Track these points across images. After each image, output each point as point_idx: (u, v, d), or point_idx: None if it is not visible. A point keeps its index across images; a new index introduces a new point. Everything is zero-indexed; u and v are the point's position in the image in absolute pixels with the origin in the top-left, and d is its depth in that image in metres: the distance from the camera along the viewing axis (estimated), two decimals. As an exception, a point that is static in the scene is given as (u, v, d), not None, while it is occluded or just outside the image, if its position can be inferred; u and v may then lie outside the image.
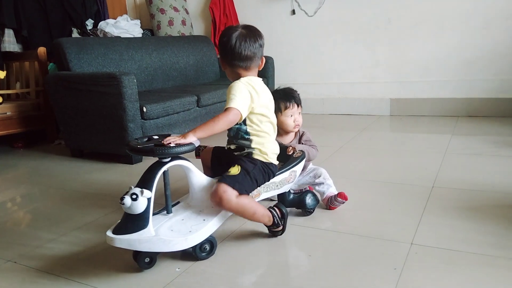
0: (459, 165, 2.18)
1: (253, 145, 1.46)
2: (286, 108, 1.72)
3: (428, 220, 1.55)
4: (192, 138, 1.31)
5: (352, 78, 3.79)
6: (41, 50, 3.29)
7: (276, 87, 1.88)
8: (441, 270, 1.21)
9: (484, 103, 3.31)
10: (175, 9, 4.11)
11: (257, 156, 1.47)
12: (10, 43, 3.38)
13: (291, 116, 1.73)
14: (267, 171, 1.48)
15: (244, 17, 4.16)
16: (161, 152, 1.25)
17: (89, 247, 1.52)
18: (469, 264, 1.24)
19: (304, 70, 3.99)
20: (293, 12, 3.92)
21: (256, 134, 1.46)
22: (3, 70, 3.27)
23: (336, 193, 1.69)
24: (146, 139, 1.38)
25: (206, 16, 4.38)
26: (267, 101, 1.49)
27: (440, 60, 3.42)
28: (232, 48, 1.44)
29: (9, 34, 3.38)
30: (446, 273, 1.20)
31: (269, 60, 3.77)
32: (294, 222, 1.60)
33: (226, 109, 1.37)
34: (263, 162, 1.47)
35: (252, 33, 1.48)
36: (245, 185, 1.40)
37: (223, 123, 1.36)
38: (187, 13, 4.26)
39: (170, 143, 1.27)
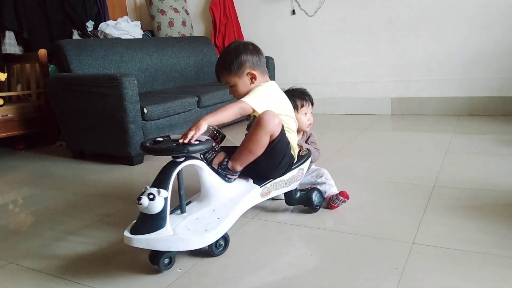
0: (460, 164, 2.18)
1: None
2: (302, 106, 1.76)
3: (429, 219, 1.54)
4: (204, 125, 1.34)
5: (353, 78, 3.79)
6: (42, 52, 3.30)
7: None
8: (442, 270, 1.21)
9: (485, 102, 3.30)
10: (175, 10, 4.11)
11: None
12: (11, 45, 3.38)
13: (305, 114, 1.77)
14: (290, 160, 1.55)
15: (244, 17, 4.16)
16: (183, 150, 1.26)
17: (90, 248, 1.52)
18: (471, 263, 1.23)
19: (305, 70, 3.99)
20: (293, 12, 3.92)
21: (286, 130, 1.51)
22: (4, 72, 3.27)
23: (337, 192, 1.69)
24: (152, 142, 1.38)
25: (206, 17, 4.38)
26: (287, 101, 1.59)
27: (442, 59, 3.42)
28: (262, 53, 1.57)
29: (9, 36, 3.38)
30: (448, 273, 1.20)
31: (269, 60, 3.77)
32: (295, 222, 1.60)
33: (238, 101, 1.43)
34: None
35: None
36: None
37: (231, 113, 1.41)
38: (187, 14, 4.27)
39: (190, 141, 1.29)
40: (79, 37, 3.71)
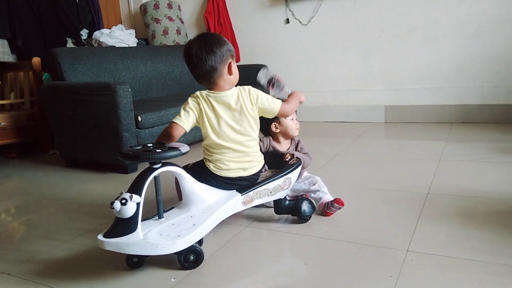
0: (453, 171, 2.19)
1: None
2: None
3: (423, 227, 1.55)
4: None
5: (347, 86, 3.81)
6: (36, 60, 3.29)
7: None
8: (436, 277, 1.21)
9: (478, 110, 3.33)
10: (170, 19, 4.13)
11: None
12: (5, 53, 3.38)
13: (292, 119, 1.78)
14: None
15: (239, 26, 4.18)
16: (146, 157, 1.29)
17: (84, 257, 1.51)
18: (465, 271, 1.24)
19: (299, 79, 4.00)
20: (287, 21, 3.95)
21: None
22: (-3, 81, 3.27)
23: (332, 199, 1.70)
24: (140, 147, 1.39)
25: (200, 25, 4.40)
26: None
27: (434, 67, 3.45)
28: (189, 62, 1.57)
29: (3, 44, 3.38)
30: (442, 280, 1.20)
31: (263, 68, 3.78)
32: (290, 230, 1.60)
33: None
34: None
35: None
36: None
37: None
38: (182, 22, 4.28)
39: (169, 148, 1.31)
40: (73, 46, 3.71)
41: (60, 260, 1.50)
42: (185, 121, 1.47)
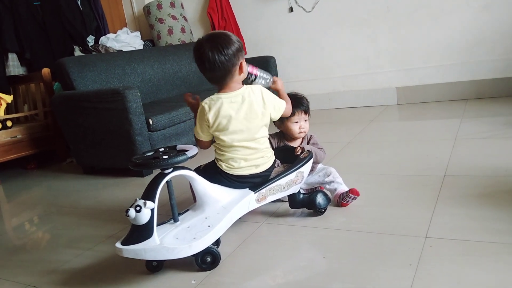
0: (470, 150, 2.15)
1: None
2: (293, 115, 1.73)
3: (441, 211, 1.53)
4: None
5: (356, 70, 3.76)
6: (45, 71, 3.33)
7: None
8: (457, 262, 1.20)
9: (492, 84, 3.25)
10: (174, 18, 4.12)
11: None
12: (15, 67, 3.43)
13: (297, 122, 1.76)
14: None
15: (243, 19, 4.15)
16: (155, 164, 1.31)
17: (105, 264, 1.54)
18: (486, 254, 1.22)
19: (307, 67, 3.96)
20: (291, 9, 3.90)
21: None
22: (9, 94, 3.32)
23: (347, 189, 1.68)
24: (152, 153, 1.40)
25: (204, 21, 4.39)
26: None
27: (443, 44, 3.37)
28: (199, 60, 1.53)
29: (12, 58, 3.43)
30: (463, 265, 1.18)
31: (270, 60, 3.76)
32: (306, 223, 1.60)
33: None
34: None
35: None
36: None
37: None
38: (186, 20, 4.28)
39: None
40: (80, 53, 3.74)
41: (83, 269, 1.53)
42: (203, 135, 1.54)
